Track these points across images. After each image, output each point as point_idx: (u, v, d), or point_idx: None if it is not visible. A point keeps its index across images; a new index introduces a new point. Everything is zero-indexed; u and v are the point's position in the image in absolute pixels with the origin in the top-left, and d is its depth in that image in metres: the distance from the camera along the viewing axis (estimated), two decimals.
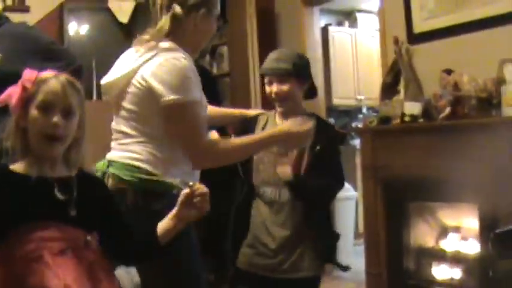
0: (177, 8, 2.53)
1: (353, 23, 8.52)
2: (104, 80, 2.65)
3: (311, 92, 3.24)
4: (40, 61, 2.89)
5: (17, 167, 2.04)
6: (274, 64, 3.09)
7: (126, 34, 5.11)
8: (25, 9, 5.31)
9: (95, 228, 2.08)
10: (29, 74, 2.07)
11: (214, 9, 2.67)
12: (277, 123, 3.07)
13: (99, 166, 2.55)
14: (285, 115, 3.07)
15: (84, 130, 2.14)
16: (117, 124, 2.60)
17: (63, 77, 2.08)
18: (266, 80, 3.15)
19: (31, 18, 5.22)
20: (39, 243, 1.93)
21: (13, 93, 2.05)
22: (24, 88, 2.04)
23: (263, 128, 3.09)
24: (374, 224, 4.58)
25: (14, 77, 2.81)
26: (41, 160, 2.04)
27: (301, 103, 3.19)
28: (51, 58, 2.92)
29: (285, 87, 3.06)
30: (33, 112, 2.00)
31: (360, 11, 8.53)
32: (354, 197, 6.61)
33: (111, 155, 2.58)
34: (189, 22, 2.57)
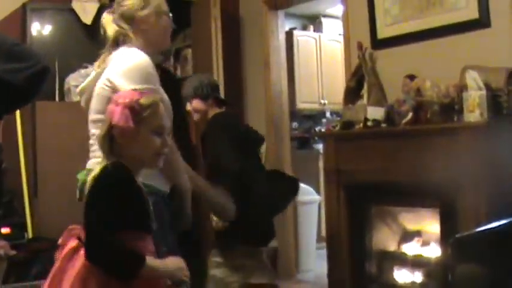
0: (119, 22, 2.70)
1: (318, 28, 8.55)
2: (79, 86, 2.74)
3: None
4: (4, 62, 2.86)
5: None
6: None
7: (90, 35, 5.05)
8: None
9: None
10: (130, 95, 2.24)
11: (157, 7, 2.78)
12: None
13: (81, 176, 2.58)
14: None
15: None
16: (90, 129, 2.68)
17: (159, 97, 2.35)
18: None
19: None
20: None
21: (123, 115, 2.18)
22: (133, 110, 2.19)
23: None
24: (336, 227, 4.59)
25: None
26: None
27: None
28: (15, 59, 2.89)
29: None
30: (149, 136, 2.23)
31: (325, 15, 8.55)
32: (317, 201, 6.63)
33: (88, 163, 2.65)
34: (137, 28, 2.65)
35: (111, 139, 2.19)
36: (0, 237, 4.34)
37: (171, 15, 2.86)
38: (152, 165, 2.31)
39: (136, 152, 2.22)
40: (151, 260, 2.11)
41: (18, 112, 4.69)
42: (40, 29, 5.51)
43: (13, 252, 4.18)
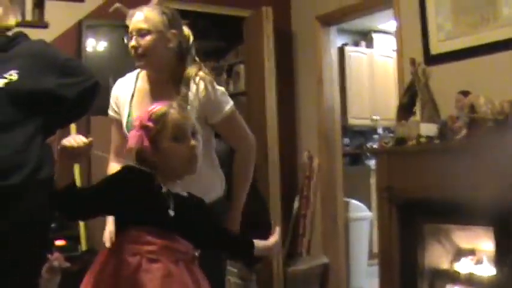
0: None
1: (369, 43, 8.53)
2: None
3: None
4: (56, 77, 2.91)
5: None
6: None
7: None
8: (44, 25, 5.35)
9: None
10: (142, 116, 2.31)
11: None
12: None
13: None
14: None
15: None
16: None
17: (173, 103, 2.36)
18: None
19: (49, 34, 5.27)
20: (161, 249, 2.17)
21: (137, 137, 2.28)
22: (147, 128, 2.26)
23: None
24: (388, 245, 4.56)
25: (29, 92, 2.85)
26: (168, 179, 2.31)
27: None
28: (69, 74, 2.95)
29: None
30: (170, 145, 2.26)
31: (376, 31, 8.54)
32: (369, 217, 6.60)
33: None
34: None
35: (143, 161, 2.28)
36: (55, 249, 4.40)
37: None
38: (188, 171, 2.33)
39: (167, 165, 2.27)
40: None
41: (73, 126, 4.76)
42: (95, 45, 5.60)
43: (67, 265, 4.22)
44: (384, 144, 4.75)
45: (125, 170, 2.30)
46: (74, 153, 2.11)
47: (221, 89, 2.86)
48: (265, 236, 2.53)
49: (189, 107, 2.71)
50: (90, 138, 2.15)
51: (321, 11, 6.24)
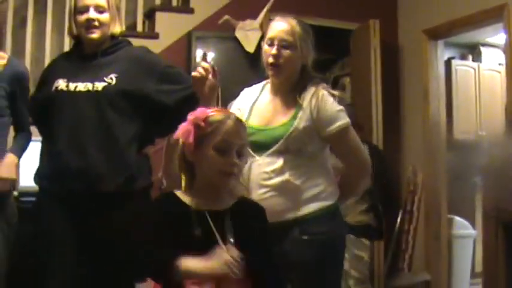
0: None
1: (477, 57, 8.35)
2: None
3: None
4: (155, 83, 2.98)
5: (184, 197, 2.25)
6: None
7: (252, 63, 5.16)
8: (154, 36, 5.49)
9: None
10: (200, 113, 2.26)
11: None
12: None
13: None
14: None
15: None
16: None
17: (234, 116, 2.29)
18: None
19: (160, 45, 5.42)
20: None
21: (185, 130, 2.23)
22: (198, 127, 2.21)
23: None
24: (493, 265, 4.47)
25: (127, 96, 2.93)
26: (207, 193, 2.23)
27: None
28: (168, 81, 3.00)
29: None
30: (211, 152, 2.20)
31: (484, 44, 8.35)
32: (473, 236, 6.47)
33: None
34: None
35: (183, 156, 2.26)
36: None
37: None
38: (219, 184, 2.25)
39: (203, 170, 2.24)
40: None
41: None
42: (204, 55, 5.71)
43: None
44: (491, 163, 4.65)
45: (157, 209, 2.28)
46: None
47: (340, 106, 2.86)
48: None
49: (299, 116, 2.76)
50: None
51: (428, 24, 6.17)
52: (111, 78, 2.94)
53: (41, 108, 3.07)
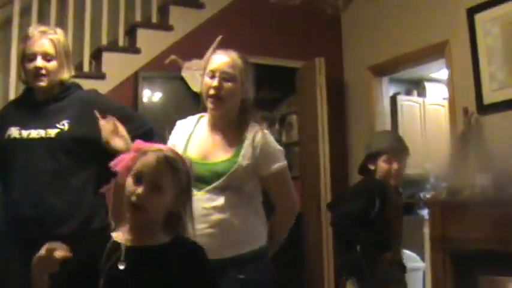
0: None
1: (422, 92, 8.51)
2: None
3: None
4: None
5: (117, 234, 2.16)
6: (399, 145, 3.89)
7: (198, 103, 5.16)
8: (101, 77, 5.47)
9: None
10: (137, 145, 2.22)
11: None
12: None
13: None
14: None
15: (186, 205, 2.22)
16: None
17: (164, 153, 2.18)
18: (385, 158, 3.79)
19: (107, 85, 5.40)
20: None
21: (122, 159, 2.19)
22: (131, 157, 2.17)
23: None
24: None
25: (80, 141, 2.92)
26: (135, 228, 2.14)
27: None
28: (122, 122, 3.00)
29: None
30: (129, 179, 2.12)
31: (428, 80, 8.51)
32: (422, 268, 6.52)
33: None
34: None
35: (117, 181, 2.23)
36: None
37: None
38: (131, 217, 2.13)
39: (121, 199, 2.18)
40: None
41: None
42: (151, 95, 5.70)
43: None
44: (438, 195, 4.72)
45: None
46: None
47: (279, 147, 2.88)
48: None
49: (242, 153, 2.77)
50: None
51: (373, 61, 6.29)
52: (63, 124, 2.92)
53: None
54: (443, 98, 7.69)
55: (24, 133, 2.94)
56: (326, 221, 5.91)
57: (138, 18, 5.93)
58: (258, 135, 2.82)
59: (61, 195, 2.86)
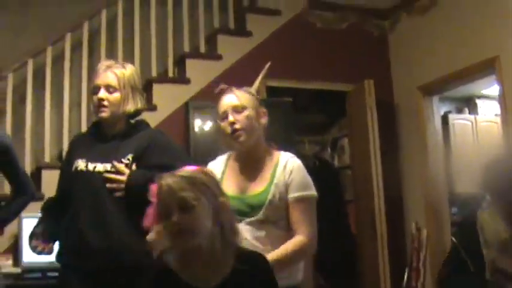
0: None
1: (473, 109, 8.42)
2: None
3: None
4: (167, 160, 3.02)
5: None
6: None
7: None
8: (152, 108, 5.54)
9: None
10: (151, 190, 2.17)
11: None
12: None
13: None
14: None
15: (221, 222, 2.17)
16: None
17: (179, 176, 2.14)
18: None
19: (158, 116, 5.49)
20: None
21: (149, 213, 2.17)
22: (153, 205, 2.15)
23: None
24: None
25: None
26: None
27: None
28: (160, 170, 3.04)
29: None
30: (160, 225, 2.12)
31: (479, 96, 8.43)
32: None
33: None
34: None
35: None
36: None
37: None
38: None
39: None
40: None
41: None
42: (201, 125, 5.73)
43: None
44: None
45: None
46: None
47: (309, 178, 2.88)
48: None
49: (274, 183, 2.79)
50: None
51: (422, 81, 6.26)
52: (128, 159, 3.00)
53: (63, 186, 3.16)
54: (496, 115, 7.59)
55: (90, 166, 3.02)
56: (382, 244, 5.87)
57: (186, 48, 6.02)
58: (290, 161, 2.85)
59: (126, 227, 2.91)
